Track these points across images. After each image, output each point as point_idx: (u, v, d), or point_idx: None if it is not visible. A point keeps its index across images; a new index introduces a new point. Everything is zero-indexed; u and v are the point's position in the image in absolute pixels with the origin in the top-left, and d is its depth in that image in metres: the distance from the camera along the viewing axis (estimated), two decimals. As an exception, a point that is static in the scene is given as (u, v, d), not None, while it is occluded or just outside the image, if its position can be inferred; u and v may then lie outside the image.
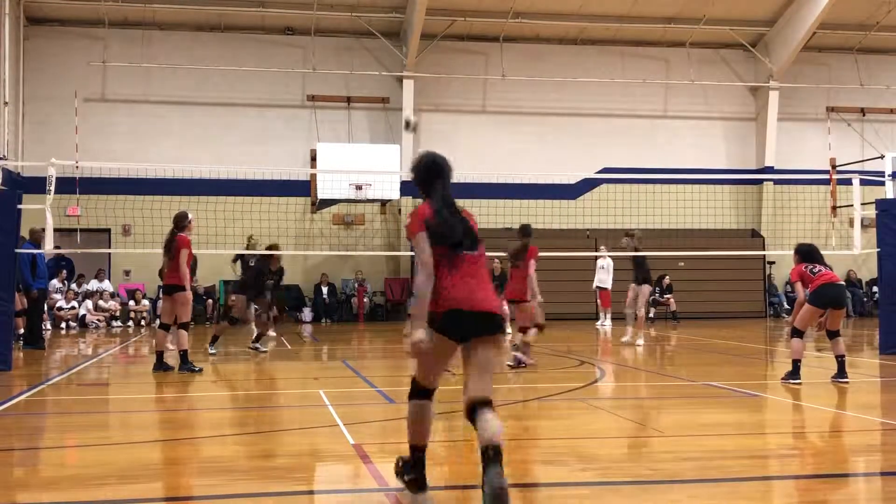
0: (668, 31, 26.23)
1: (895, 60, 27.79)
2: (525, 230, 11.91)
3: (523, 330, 11.71)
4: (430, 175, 5.00)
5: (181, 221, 11.55)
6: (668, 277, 23.32)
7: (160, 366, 11.28)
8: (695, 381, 10.63)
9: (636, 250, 15.64)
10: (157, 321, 13.44)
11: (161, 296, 12.18)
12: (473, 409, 4.59)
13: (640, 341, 15.53)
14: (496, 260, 17.49)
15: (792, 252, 10.44)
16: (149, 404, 9.40)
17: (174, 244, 11.36)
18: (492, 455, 4.44)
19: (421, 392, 4.86)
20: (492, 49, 25.76)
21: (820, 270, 9.97)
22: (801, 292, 10.15)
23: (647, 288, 15.80)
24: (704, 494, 5.15)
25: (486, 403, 4.59)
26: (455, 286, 4.70)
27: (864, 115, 27.52)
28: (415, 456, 4.93)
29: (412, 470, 4.93)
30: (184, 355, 11.34)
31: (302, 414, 8.39)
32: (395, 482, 5.48)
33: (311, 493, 5.46)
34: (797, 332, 10.07)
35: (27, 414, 8.52)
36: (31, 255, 14.40)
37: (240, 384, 11.15)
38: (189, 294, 11.43)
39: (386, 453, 6.39)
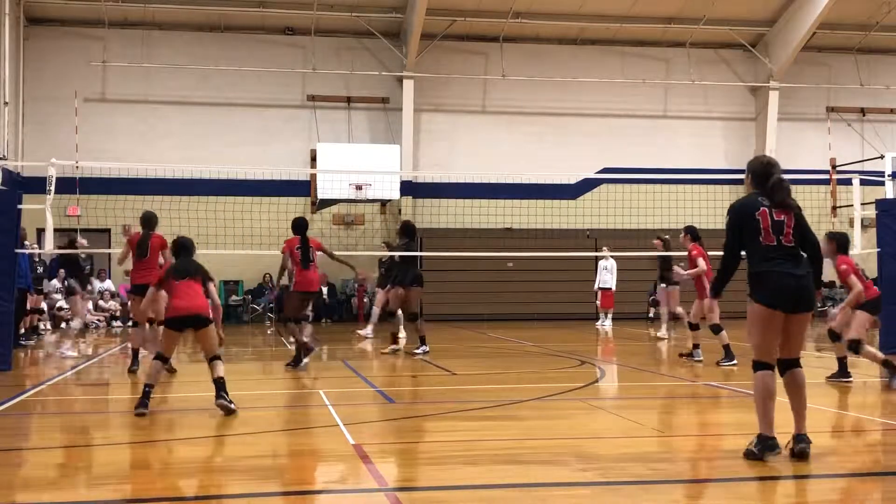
0: (668, 31, 26.23)
1: (895, 60, 27.80)
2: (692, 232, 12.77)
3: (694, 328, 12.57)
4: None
5: (155, 222, 11.46)
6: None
7: (137, 364, 11.15)
8: (695, 381, 10.63)
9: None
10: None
11: (133, 296, 11.45)
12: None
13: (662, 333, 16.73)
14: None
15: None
16: (149, 404, 9.38)
17: (149, 243, 11.21)
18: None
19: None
20: (492, 49, 25.76)
21: (864, 271, 9.65)
22: (857, 286, 9.19)
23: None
24: (704, 494, 5.15)
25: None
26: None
27: (864, 115, 27.52)
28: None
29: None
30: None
31: (302, 414, 8.39)
32: (395, 482, 5.48)
33: (311, 493, 5.46)
34: (856, 346, 9.18)
35: (27, 414, 8.52)
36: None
37: (239, 384, 11.13)
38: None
39: (386, 453, 6.40)
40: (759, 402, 5.78)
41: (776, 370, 5.86)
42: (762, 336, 5.76)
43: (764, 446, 5.69)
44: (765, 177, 5.89)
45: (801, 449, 5.74)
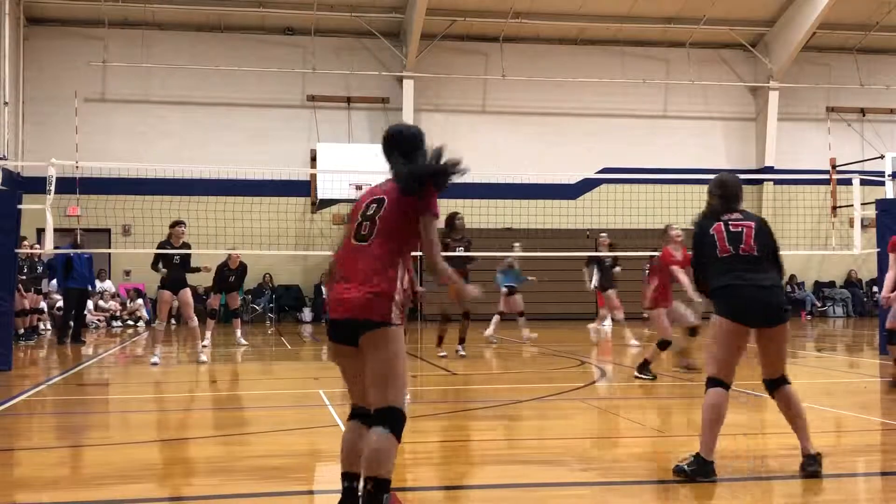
0: (668, 31, 26.23)
1: (895, 60, 27.80)
2: None
3: None
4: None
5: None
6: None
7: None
8: (695, 381, 10.62)
9: None
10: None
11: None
12: None
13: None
14: None
15: (789, 252, 10.25)
16: (149, 404, 9.39)
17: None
18: None
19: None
20: (492, 49, 25.76)
21: None
22: None
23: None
24: (704, 494, 5.15)
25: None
26: None
27: (864, 115, 27.52)
28: None
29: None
30: None
31: (302, 414, 8.39)
32: (395, 482, 5.48)
33: (311, 493, 5.46)
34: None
35: (27, 414, 8.52)
36: (66, 256, 15.45)
37: (239, 384, 11.15)
38: None
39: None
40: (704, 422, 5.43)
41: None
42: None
43: (699, 470, 5.27)
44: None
45: (811, 472, 5.35)
